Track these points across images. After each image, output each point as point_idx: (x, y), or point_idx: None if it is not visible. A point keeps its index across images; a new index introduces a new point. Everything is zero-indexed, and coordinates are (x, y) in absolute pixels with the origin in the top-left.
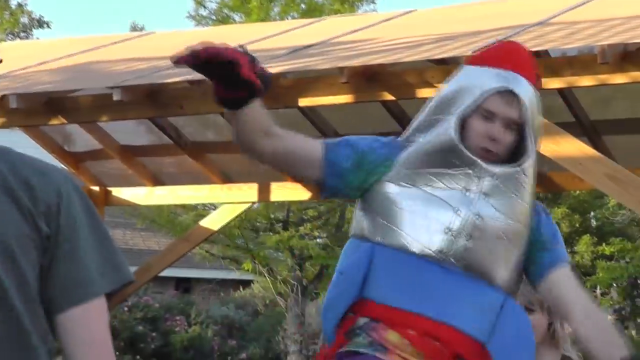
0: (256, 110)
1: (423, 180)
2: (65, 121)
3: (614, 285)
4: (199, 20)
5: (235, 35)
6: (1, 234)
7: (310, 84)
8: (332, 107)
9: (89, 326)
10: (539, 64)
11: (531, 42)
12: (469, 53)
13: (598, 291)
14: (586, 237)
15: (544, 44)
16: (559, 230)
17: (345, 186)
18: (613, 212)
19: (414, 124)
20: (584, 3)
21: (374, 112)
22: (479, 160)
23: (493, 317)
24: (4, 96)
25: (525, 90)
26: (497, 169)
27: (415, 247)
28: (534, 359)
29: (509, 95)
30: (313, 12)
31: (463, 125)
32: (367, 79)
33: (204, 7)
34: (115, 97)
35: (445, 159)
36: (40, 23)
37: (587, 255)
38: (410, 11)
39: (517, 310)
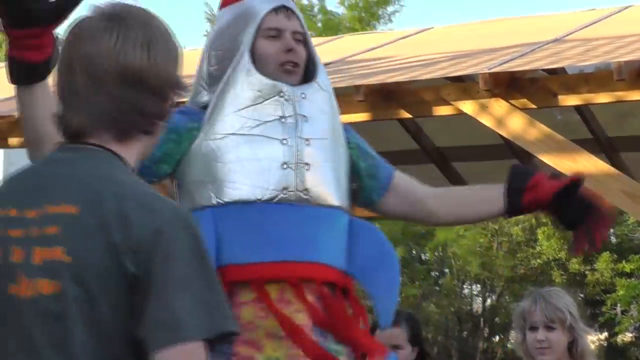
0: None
1: (236, 124)
2: None
3: (635, 303)
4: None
5: None
6: (77, 265)
7: None
8: (349, 125)
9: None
10: (556, 81)
11: (547, 60)
12: (485, 71)
13: (619, 309)
14: (606, 255)
15: (560, 61)
16: None
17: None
18: (632, 229)
19: (201, 78)
20: (599, 20)
21: (390, 129)
22: (283, 84)
23: (345, 240)
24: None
25: (290, 2)
26: (303, 89)
27: (257, 194)
28: (395, 262)
29: (284, 10)
30: (330, 30)
31: (253, 59)
32: (384, 97)
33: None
34: None
35: (249, 95)
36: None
37: (607, 272)
38: (427, 29)
39: (362, 224)
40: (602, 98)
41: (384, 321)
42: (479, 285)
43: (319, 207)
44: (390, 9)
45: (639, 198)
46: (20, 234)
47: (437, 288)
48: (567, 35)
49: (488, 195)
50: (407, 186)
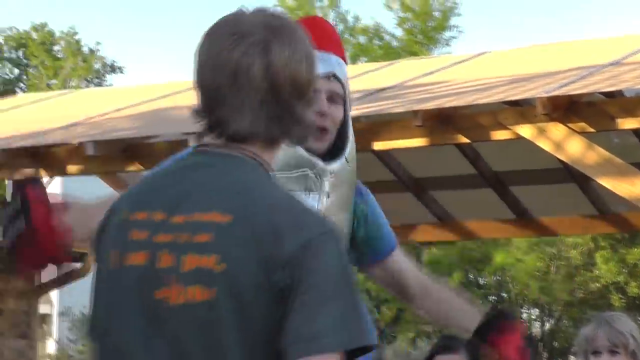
0: None
1: None
2: (142, 167)
3: None
4: None
5: None
6: (231, 274)
7: (385, 127)
8: (406, 150)
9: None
10: (614, 104)
11: (605, 83)
12: (543, 95)
13: None
14: None
15: (618, 84)
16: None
17: None
18: None
19: None
20: None
21: (448, 154)
22: (315, 159)
23: None
24: (80, 144)
25: (340, 67)
26: (334, 166)
27: None
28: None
29: (328, 75)
30: (388, 55)
31: None
32: (441, 121)
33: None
34: (192, 144)
35: (283, 160)
36: (114, 68)
37: None
38: (484, 53)
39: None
40: None
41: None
42: (537, 310)
43: None
44: (447, 34)
45: None
46: (169, 239)
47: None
48: (625, 58)
49: (464, 318)
50: (400, 270)
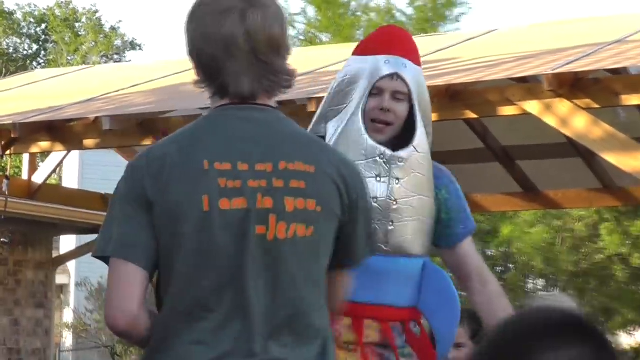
0: None
1: None
2: (156, 141)
3: None
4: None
5: (323, 56)
6: (326, 214)
7: None
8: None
9: (341, 285)
10: (618, 81)
11: (610, 60)
12: (549, 71)
13: None
14: None
15: (623, 61)
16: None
17: None
18: None
19: (318, 113)
20: None
21: (457, 129)
22: (384, 148)
23: (417, 281)
24: (97, 118)
25: (407, 68)
26: (401, 154)
27: None
28: (456, 306)
29: (392, 75)
30: None
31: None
32: (450, 97)
33: (293, 27)
34: None
35: (356, 150)
36: (133, 45)
37: None
38: (492, 30)
39: (434, 269)
40: None
41: (440, 352)
42: (543, 280)
43: (397, 258)
44: (457, 11)
45: None
46: (264, 185)
47: (502, 283)
48: (630, 36)
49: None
50: (465, 258)
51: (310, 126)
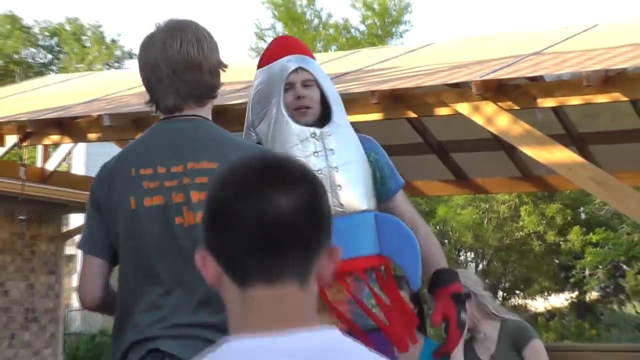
0: None
1: None
2: None
3: (600, 267)
4: (259, 51)
5: None
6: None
7: (347, 105)
8: (365, 123)
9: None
10: (535, 86)
11: (529, 69)
12: (477, 78)
13: (587, 272)
14: (576, 228)
15: (539, 70)
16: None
17: None
18: (599, 207)
19: (245, 124)
20: (572, 37)
21: (400, 127)
22: (313, 128)
23: (374, 231)
24: (99, 116)
25: (307, 61)
26: (328, 129)
27: None
28: (414, 241)
29: (297, 69)
30: (352, 45)
31: None
32: (394, 100)
33: (264, 40)
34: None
35: (287, 138)
36: (131, 55)
37: (577, 242)
38: (429, 44)
39: (386, 217)
40: (574, 101)
41: (414, 286)
42: (472, 254)
43: (352, 215)
44: (401, 28)
45: (603, 183)
46: (175, 184)
47: None
48: (545, 49)
49: (427, 262)
50: (399, 208)
51: (243, 136)
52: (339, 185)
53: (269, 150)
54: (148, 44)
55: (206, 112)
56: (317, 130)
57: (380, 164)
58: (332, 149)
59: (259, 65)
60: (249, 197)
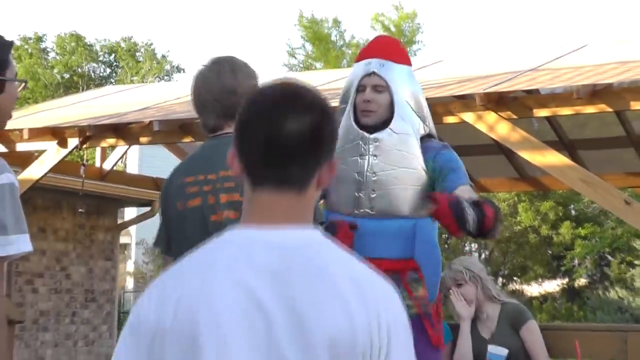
0: None
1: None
2: (193, 139)
3: (587, 257)
4: (291, 67)
5: (316, 79)
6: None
7: None
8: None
9: None
10: (531, 99)
11: (526, 83)
12: (481, 91)
13: (576, 261)
14: (567, 223)
15: (535, 84)
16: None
17: None
18: (587, 205)
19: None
20: (564, 55)
21: None
22: (363, 132)
23: (411, 237)
24: (150, 122)
25: (384, 67)
26: (379, 135)
27: (344, 212)
28: (438, 259)
29: (370, 73)
30: None
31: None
32: None
33: (295, 57)
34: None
35: (346, 137)
36: (178, 69)
37: (568, 235)
38: (439, 61)
39: (425, 224)
40: (565, 111)
41: (430, 296)
42: (476, 245)
43: (383, 220)
44: (415, 47)
45: (591, 183)
46: (210, 188)
47: (447, 246)
48: (540, 65)
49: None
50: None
51: None
52: (373, 190)
53: (292, 78)
54: (196, 77)
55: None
56: (366, 135)
57: (439, 166)
58: (375, 155)
59: (355, 60)
60: (262, 121)
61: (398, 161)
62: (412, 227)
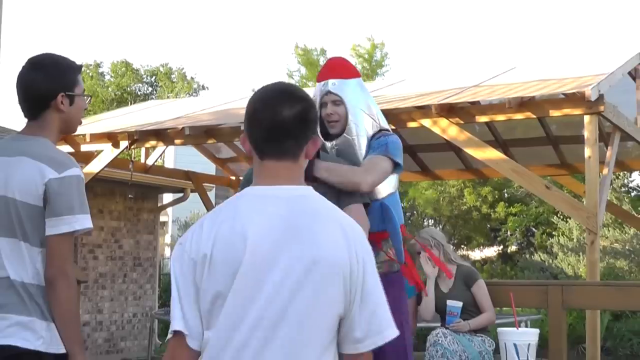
0: None
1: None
2: (215, 141)
3: (517, 229)
4: None
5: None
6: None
7: None
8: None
9: None
10: (474, 108)
11: (470, 96)
12: (436, 102)
13: (509, 233)
14: (502, 203)
15: (477, 97)
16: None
17: None
18: (517, 189)
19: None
20: (498, 75)
21: None
22: (326, 142)
23: (380, 214)
24: (182, 128)
25: (336, 85)
26: (335, 142)
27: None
28: (396, 226)
29: (327, 92)
30: None
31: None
32: None
33: (292, 78)
34: (243, 127)
35: (323, 147)
36: (203, 87)
37: (502, 213)
38: (403, 80)
39: (389, 204)
40: (500, 118)
41: (399, 258)
42: (432, 220)
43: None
44: (383, 69)
45: (520, 172)
46: None
47: (410, 222)
48: (481, 82)
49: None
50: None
51: None
52: None
53: (284, 82)
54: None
55: None
56: (328, 144)
57: (371, 151)
58: (339, 156)
59: (317, 80)
60: (265, 109)
61: (356, 159)
62: (379, 205)
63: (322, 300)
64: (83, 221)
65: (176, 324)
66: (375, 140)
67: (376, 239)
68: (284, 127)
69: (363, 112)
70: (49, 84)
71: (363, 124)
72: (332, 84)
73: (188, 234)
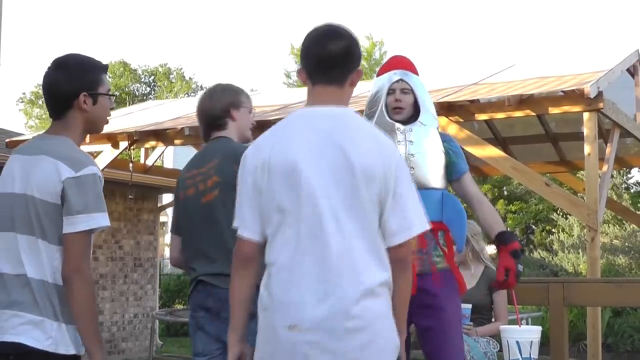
0: None
1: None
2: None
3: (517, 227)
4: (288, 85)
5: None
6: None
7: None
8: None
9: None
10: (473, 106)
11: (469, 95)
12: (435, 101)
13: (508, 229)
14: (501, 201)
15: (476, 95)
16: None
17: None
18: (516, 187)
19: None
20: (497, 72)
21: None
22: (400, 124)
23: (440, 204)
24: (182, 128)
25: (408, 75)
26: (412, 126)
27: None
28: (464, 215)
29: (399, 80)
30: None
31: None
32: None
33: (290, 78)
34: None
35: (383, 129)
36: (202, 88)
37: (502, 210)
38: None
39: (449, 196)
40: (499, 115)
41: (459, 247)
42: None
43: (422, 190)
44: None
45: (519, 170)
46: (200, 178)
47: None
48: (480, 80)
49: (491, 229)
50: (467, 187)
51: None
52: (412, 168)
53: (332, 23)
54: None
55: (226, 133)
56: (402, 126)
57: (452, 152)
58: (411, 141)
59: (377, 74)
60: (316, 44)
61: (427, 145)
62: (440, 195)
63: (361, 196)
64: (100, 219)
65: (236, 222)
66: (448, 141)
67: (432, 229)
68: (330, 59)
69: (430, 106)
70: (70, 84)
71: (432, 115)
72: (403, 73)
73: (249, 149)
